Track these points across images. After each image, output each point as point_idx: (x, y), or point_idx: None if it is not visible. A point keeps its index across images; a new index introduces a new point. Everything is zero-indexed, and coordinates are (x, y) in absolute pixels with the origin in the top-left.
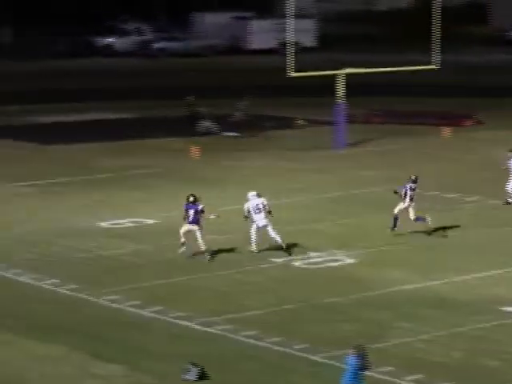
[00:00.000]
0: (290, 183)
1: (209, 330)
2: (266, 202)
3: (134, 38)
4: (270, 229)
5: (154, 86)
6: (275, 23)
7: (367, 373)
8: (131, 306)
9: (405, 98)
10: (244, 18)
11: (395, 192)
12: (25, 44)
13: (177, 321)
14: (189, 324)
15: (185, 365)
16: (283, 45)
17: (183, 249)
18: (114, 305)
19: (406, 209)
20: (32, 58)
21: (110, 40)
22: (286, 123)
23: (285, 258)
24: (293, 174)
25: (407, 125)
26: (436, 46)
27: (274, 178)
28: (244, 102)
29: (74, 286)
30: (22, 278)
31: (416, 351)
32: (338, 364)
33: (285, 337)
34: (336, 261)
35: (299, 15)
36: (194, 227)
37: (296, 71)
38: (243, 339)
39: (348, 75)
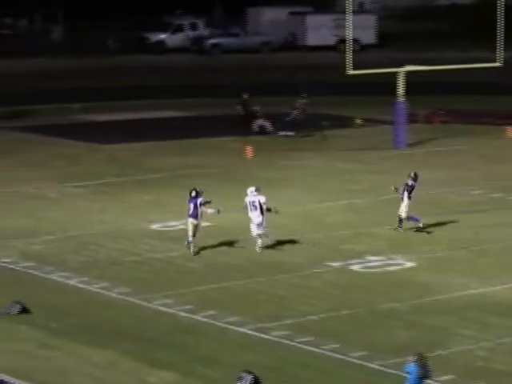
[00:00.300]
0: (347, 184)
1: (263, 336)
2: (263, 200)
3: (188, 34)
4: (263, 224)
5: (208, 83)
6: (334, 19)
7: (428, 381)
8: (183, 310)
9: (467, 97)
10: (301, 14)
11: (395, 189)
12: (75, 41)
13: (230, 326)
14: (243, 330)
15: (238, 372)
16: (342, 41)
17: (192, 249)
18: (166, 309)
19: (406, 205)
20: (83, 55)
21: (162, 36)
22: (343, 122)
23: (341, 262)
24: (351, 175)
25: (470, 124)
26: (500, 42)
27: (330, 179)
28: (301, 101)
29: (124, 290)
30: (71, 282)
31: (478, 359)
32: (396, 372)
33: (342, 343)
34: (395, 265)
35: (359, 11)
36: (195, 221)
37: (355, 69)
38: (299, 345)
39: (408, 73)
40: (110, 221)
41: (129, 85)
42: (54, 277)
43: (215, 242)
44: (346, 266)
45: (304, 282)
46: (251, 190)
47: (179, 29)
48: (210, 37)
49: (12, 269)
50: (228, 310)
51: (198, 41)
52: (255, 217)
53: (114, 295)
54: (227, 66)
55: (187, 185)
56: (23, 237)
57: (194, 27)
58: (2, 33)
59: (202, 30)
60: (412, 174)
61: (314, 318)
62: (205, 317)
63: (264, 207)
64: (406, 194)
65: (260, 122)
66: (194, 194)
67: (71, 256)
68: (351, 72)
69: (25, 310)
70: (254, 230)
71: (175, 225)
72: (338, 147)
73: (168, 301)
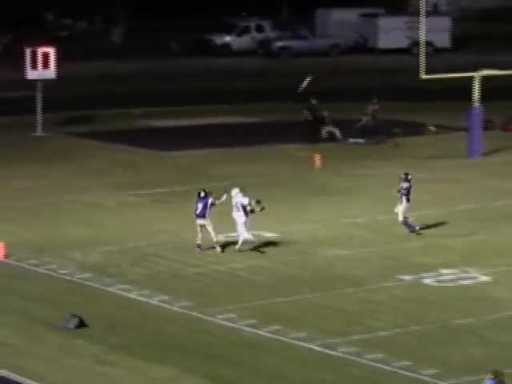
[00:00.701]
0: (419, 194)
1: (330, 352)
2: (246, 202)
3: (254, 36)
4: (246, 225)
5: (275, 87)
6: (406, 21)
7: None
8: (247, 325)
9: None
10: (373, 16)
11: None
12: (136, 43)
13: (296, 342)
14: (309, 345)
15: None
16: (415, 44)
17: (197, 249)
18: (229, 324)
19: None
20: (144, 58)
21: (227, 38)
22: (416, 129)
23: (413, 276)
24: (423, 185)
25: None
26: None
27: None
28: (371, 106)
29: (186, 304)
30: (130, 294)
31: None
32: None
33: (413, 361)
34: (469, 278)
35: (433, 12)
36: (203, 221)
37: (428, 73)
38: (368, 363)
39: (484, 78)
40: (171, 231)
41: (192, 89)
42: (112, 289)
43: (281, 253)
44: (418, 279)
45: (373, 297)
46: (236, 191)
47: (245, 31)
48: (277, 39)
49: (69, 280)
50: (294, 325)
51: (264, 43)
52: (238, 217)
53: (175, 309)
54: (295, 70)
55: (253, 194)
56: (81, 247)
57: (260, 29)
58: (61, 35)
59: (269, 32)
60: (403, 175)
61: (383, 333)
62: (270, 332)
63: (248, 209)
64: (403, 197)
65: (329, 128)
66: (202, 194)
67: (130, 267)
68: (424, 76)
69: (82, 324)
70: (243, 231)
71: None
72: (409, 155)
73: (231, 315)
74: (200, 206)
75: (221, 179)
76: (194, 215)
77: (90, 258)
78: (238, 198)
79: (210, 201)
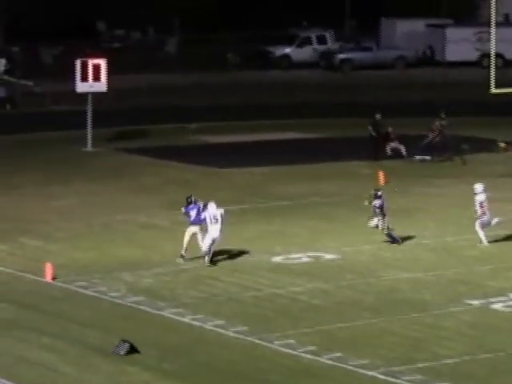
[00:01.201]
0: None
1: (394, 380)
2: (223, 214)
3: (315, 48)
4: (218, 240)
5: (337, 102)
6: (476, 32)
7: None
8: (307, 351)
9: None
10: (440, 26)
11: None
12: (191, 54)
13: (358, 369)
14: (372, 373)
15: None
16: (485, 57)
17: (181, 260)
18: (288, 350)
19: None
20: (199, 70)
21: (287, 50)
22: (485, 146)
23: (482, 301)
24: (493, 205)
25: None
26: None
27: (471, 209)
28: (438, 122)
29: (242, 328)
30: (184, 319)
31: None
32: None
33: None
34: None
35: (504, 23)
36: (197, 228)
37: (498, 87)
38: None
39: None
40: (228, 252)
41: (249, 103)
42: (165, 313)
43: (342, 276)
44: (487, 304)
45: (439, 322)
46: (211, 204)
47: (305, 42)
48: (340, 51)
49: (120, 304)
50: (356, 352)
51: (326, 55)
52: (215, 230)
53: (230, 334)
54: (358, 83)
55: (313, 214)
56: (132, 269)
57: (321, 40)
58: (113, 46)
59: (331, 44)
60: (372, 194)
61: (449, 361)
62: (330, 359)
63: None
64: (379, 214)
65: (394, 144)
66: (191, 200)
67: (184, 291)
68: (494, 90)
69: (133, 350)
70: (207, 244)
71: (299, 257)
72: (479, 173)
73: (290, 341)
74: (194, 212)
75: (280, 198)
76: (188, 223)
77: (142, 281)
78: (214, 210)
79: (201, 205)
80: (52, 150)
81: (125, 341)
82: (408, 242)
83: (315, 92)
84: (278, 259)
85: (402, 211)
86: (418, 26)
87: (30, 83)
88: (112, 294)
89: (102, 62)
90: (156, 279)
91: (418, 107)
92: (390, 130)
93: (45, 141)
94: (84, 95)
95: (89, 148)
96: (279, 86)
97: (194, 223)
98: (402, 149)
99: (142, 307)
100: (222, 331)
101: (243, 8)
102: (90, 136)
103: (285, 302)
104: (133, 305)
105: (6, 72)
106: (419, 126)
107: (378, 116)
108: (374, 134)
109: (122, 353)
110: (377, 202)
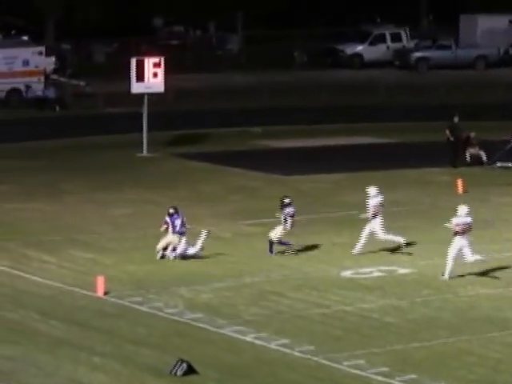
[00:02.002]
0: None
1: None
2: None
3: (389, 46)
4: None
5: (412, 104)
6: None
7: None
8: (378, 373)
9: None
10: None
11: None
12: (255, 53)
13: None
14: None
15: None
16: None
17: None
18: (357, 371)
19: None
20: (264, 70)
21: (358, 48)
22: None
23: None
24: None
25: None
26: None
27: None
28: None
29: (308, 348)
30: (246, 337)
31: None
32: None
33: None
34: None
35: None
36: (179, 238)
37: None
38: None
39: None
40: (294, 266)
41: (317, 105)
42: (225, 331)
43: (418, 292)
44: None
45: None
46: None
47: (379, 40)
48: (416, 49)
49: (177, 321)
50: (431, 374)
51: (401, 54)
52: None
53: (296, 354)
54: (435, 84)
55: (388, 225)
56: (190, 283)
57: (396, 38)
58: (171, 43)
59: (406, 42)
60: (285, 201)
61: None
62: (404, 381)
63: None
64: (289, 220)
65: (473, 150)
66: (172, 211)
67: (246, 307)
68: None
69: (192, 370)
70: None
71: (371, 271)
72: None
73: (360, 361)
74: (178, 223)
75: (350, 208)
76: (172, 232)
77: (201, 296)
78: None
79: (184, 219)
80: (104, 155)
81: (183, 360)
82: (489, 256)
83: (389, 93)
84: (347, 273)
85: (481, 222)
86: (501, 22)
87: (82, 83)
88: (168, 311)
89: (159, 61)
90: (216, 294)
91: (499, 110)
92: (472, 134)
93: (97, 145)
94: (139, 96)
95: (144, 153)
96: (349, 87)
97: (178, 233)
98: (483, 155)
99: (200, 324)
100: (287, 351)
101: (311, 3)
102: (145, 140)
103: (354, 320)
104: (190, 322)
105: (56, 71)
106: (501, 130)
107: (455, 119)
108: (451, 138)
109: (180, 373)
110: (290, 211)
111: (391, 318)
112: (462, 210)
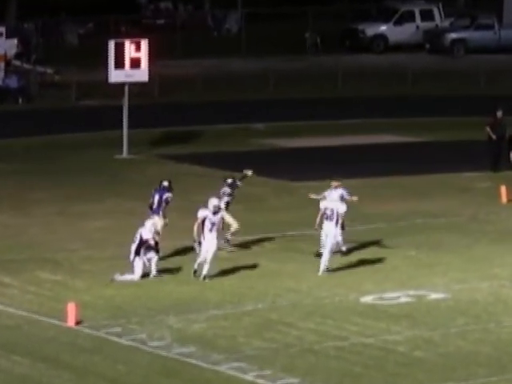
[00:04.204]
0: None
1: None
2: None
3: (418, 25)
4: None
5: (446, 94)
6: None
7: None
8: None
9: None
10: None
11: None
12: (258, 34)
13: None
14: None
15: None
16: None
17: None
18: None
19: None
20: (266, 53)
21: (382, 28)
22: None
23: None
24: None
25: None
26: None
27: None
28: None
29: None
30: (247, 376)
31: None
32: None
33: None
34: None
35: None
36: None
37: None
38: None
39: None
40: (305, 290)
41: (333, 96)
42: (222, 368)
43: (453, 321)
44: None
45: None
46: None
47: (406, 18)
48: (451, 30)
49: (163, 356)
50: None
51: (433, 35)
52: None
53: None
54: (474, 71)
55: (415, 241)
56: (181, 311)
57: (427, 16)
58: (157, 23)
59: (439, 21)
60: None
61: None
62: None
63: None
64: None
65: None
66: (166, 184)
67: (248, 339)
68: None
69: None
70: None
71: (397, 296)
72: None
73: None
74: (156, 198)
75: (371, 220)
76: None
77: (193, 326)
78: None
79: (166, 196)
80: (78, 156)
81: None
82: None
83: (418, 83)
84: (368, 299)
85: None
86: None
87: (50, 71)
88: (153, 344)
89: (143, 44)
90: (211, 324)
91: None
92: None
93: (69, 145)
94: (119, 86)
95: (124, 154)
96: (371, 75)
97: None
98: None
99: (192, 360)
100: None
101: None
102: (125, 139)
103: (377, 355)
104: (180, 357)
105: (18, 56)
106: None
107: (499, 114)
108: (493, 136)
109: None
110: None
111: (421, 352)
112: None
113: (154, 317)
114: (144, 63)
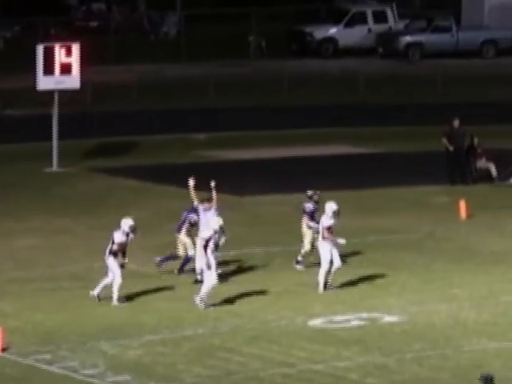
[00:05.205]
0: None
1: None
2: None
3: (370, 28)
4: None
5: (401, 103)
6: None
7: None
8: None
9: None
10: None
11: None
12: (198, 37)
13: None
14: None
15: None
16: None
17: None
18: None
19: None
20: (209, 58)
21: (331, 31)
22: None
23: None
24: None
25: None
26: None
27: None
28: None
29: None
30: None
31: None
32: None
33: None
34: None
35: None
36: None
37: None
38: None
39: None
40: (248, 313)
41: (279, 104)
42: None
43: (408, 346)
44: None
45: None
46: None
47: (357, 20)
48: (406, 32)
49: None
50: None
51: (386, 38)
52: None
53: None
54: (430, 77)
55: (368, 259)
56: (115, 336)
57: (380, 18)
58: (89, 25)
59: (393, 23)
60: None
61: None
62: None
63: None
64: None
65: (481, 163)
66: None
67: (187, 366)
68: None
69: None
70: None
71: (348, 319)
72: None
73: None
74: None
75: None
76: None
77: (128, 353)
78: None
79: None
80: (3, 170)
81: None
82: (499, 299)
83: (370, 89)
84: (317, 322)
85: (493, 255)
86: None
87: None
88: (86, 372)
89: (74, 48)
90: (147, 350)
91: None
92: (475, 142)
93: None
94: (48, 94)
95: (54, 168)
96: (320, 81)
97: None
98: (492, 169)
99: None
100: None
101: None
102: (55, 151)
103: (327, 382)
104: None
105: None
106: None
107: (456, 123)
108: (450, 148)
109: None
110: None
111: (374, 379)
112: None
113: (85, 343)
114: (75, 69)
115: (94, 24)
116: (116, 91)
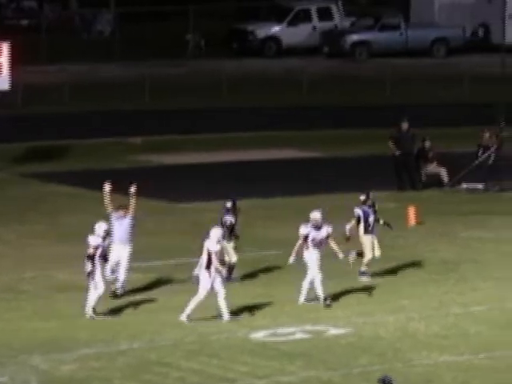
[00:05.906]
0: None
1: None
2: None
3: (315, 26)
4: None
5: (347, 105)
6: None
7: None
8: None
9: None
10: None
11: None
12: (133, 36)
13: None
14: None
15: None
16: None
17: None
18: None
19: None
20: (142, 58)
21: (274, 29)
22: None
23: None
24: None
25: None
26: None
27: None
28: (495, 133)
29: None
30: None
31: None
32: None
33: None
34: None
35: None
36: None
37: None
38: None
39: None
40: (187, 326)
41: (219, 106)
42: None
43: (354, 360)
44: None
45: None
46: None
47: (301, 18)
48: (352, 31)
49: None
50: None
51: (331, 37)
52: None
53: None
54: (377, 77)
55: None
56: (47, 350)
57: (325, 15)
58: (20, 23)
59: (339, 20)
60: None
61: None
62: None
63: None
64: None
65: (431, 167)
66: (229, 205)
67: (122, 382)
68: None
69: None
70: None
71: (292, 332)
72: None
73: None
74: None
75: (264, 246)
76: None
77: (61, 368)
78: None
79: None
80: None
81: None
82: (451, 310)
83: (315, 90)
84: (259, 335)
85: (443, 263)
86: None
87: None
88: None
89: (4, 47)
90: (81, 365)
91: (464, 111)
92: (426, 145)
93: None
94: None
95: None
96: (262, 82)
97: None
98: (443, 173)
99: None
100: None
101: None
102: None
103: None
104: None
105: None
106: (466, 139)
107: (404, 125)
108: (396, 152)
109: None
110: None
111: None
112: None
113: (16, 356)
114: (5, 69)
115: (25, 22)
116: (48, 92)
